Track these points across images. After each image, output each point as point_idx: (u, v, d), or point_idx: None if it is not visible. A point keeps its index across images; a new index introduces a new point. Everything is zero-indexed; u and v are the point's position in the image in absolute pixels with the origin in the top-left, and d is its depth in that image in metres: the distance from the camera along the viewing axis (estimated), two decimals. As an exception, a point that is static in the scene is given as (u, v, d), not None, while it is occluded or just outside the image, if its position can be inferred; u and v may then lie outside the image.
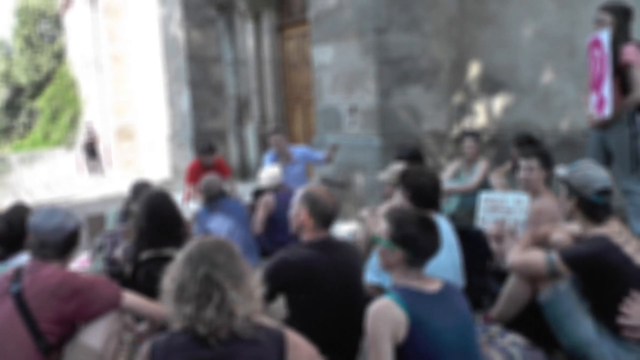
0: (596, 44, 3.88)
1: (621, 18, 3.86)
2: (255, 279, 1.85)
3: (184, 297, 1.72)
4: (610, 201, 2.64)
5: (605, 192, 2.60)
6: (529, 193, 3.61)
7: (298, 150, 6.20)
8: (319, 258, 2.57)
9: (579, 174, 2.65)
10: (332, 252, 2.63)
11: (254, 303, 1.78)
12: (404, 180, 2.94)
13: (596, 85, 3.90)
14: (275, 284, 2.47)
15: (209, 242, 1.84)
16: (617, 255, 2.48)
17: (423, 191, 2.87)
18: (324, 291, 2.54)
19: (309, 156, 6.09)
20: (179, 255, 1.82)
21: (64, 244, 2.49)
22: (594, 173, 2.64)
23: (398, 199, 2.94)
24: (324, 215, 2.65)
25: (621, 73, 3.79)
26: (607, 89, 3.79)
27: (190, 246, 1.83)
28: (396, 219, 2.19)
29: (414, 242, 2.13)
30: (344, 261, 2.65)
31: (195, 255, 1.77)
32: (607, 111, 3.81)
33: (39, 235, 2.47)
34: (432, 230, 2.16)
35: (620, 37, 3.82)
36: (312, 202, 2.66)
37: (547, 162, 3.48)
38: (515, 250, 2.83)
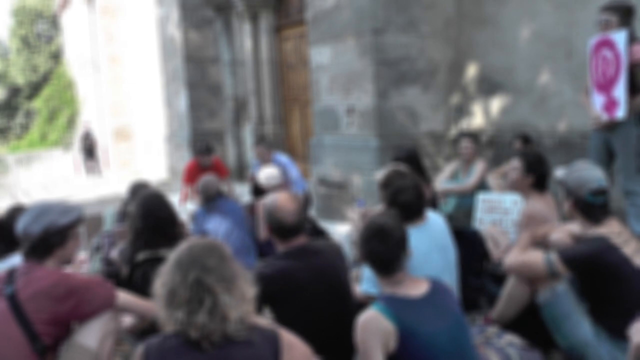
0: (606, 44, 3.79)
1: (626, 17, 3.80)
2: (247, 279, 1.83)
3: (175, 302, 1.70)
4: (607, 201, 2.65)
5: (600, 192, 2.61)
6: (515, 192, 3.59)
7: (282, 159, 6.21)
8: (296, 267, 2.54)
9: (574, 175, 2.67)
10: (310, 258, 2.59)
11: (247, 304, 1.77)
12: (382, 192, 2.87)
13: (605, 86, 3.81)
14: (256, 299, 2.43)
15: (199, 246, 1.81)
16: (616, 255, 2.49)
17: (401, 205, 2.75)
18: (308, 299, 2.52)
19: (287, 169, 6.09)
20: (169, 260, 1.79)
21: (39, 245, 2.43)
22: (588, 173, 2.65)
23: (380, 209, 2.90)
24: (283, 228, 2.60)
25: (631, 73, 3.72)
26: (621, 91, 3.71)
27: (180, 250, 1.81)
28: (359, 237, 2.25)
29: (370, 258, 2.20)
30: (324, 265, 2.62)
31: (185, 260, 1.75)
32: (621, 113, 3.72)
33: (19, 235, 2.46)
34: (386, 240, 2.15)
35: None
36: (268, 217, 2.63)
37: (530, 167, 3.32)
38: (514, 252, 2.83)
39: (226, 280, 1.74)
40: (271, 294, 2.49)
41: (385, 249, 2.14)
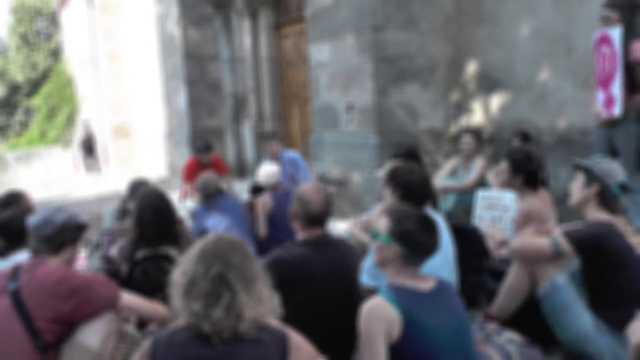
0: (605, 40, 3.77)
1: (629, 14, 3.74)
2: (266, 282, 1.84)
3: (194, 293, 1.70)
4: (624, 199, 2.69)
5: (624, 188, 2.68)
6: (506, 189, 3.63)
7: (290, 155, 6.20)
8: (313, 256, 2.59)
9: (603, 165, 2.71)
10: (327, 250, 2.65)
11: (262, 307, 1.78)
12: (394, 180, 2.89)
13: (605, 83, 3.80)
14: (271, 282, 2.47)
15: (225, 241, 1.81)
16: (621, 242, 2.52)
17: (413, 189, 2.82)
18: (320, 289, 2.55)
19: (297, 167, 6.08)
20: (193, 250, 1.79)
21: (55, 238, 2.48)
22: (617, 167, 2.71)
23: (389, 199, 2.92)
24: (308, 216, 2.65)
25: (630, 71, 3.69)
26: (617, 88, 3.69)
27: (205, 242, 1.81)
28: (397, 214, 2.19)
29: (412, 238, 2.12)
30: (339, 259, 2.66)
31: (210, 253, 1.75)
32: (617, 110, 3.71)
33: (31, 230, 2.49)
34: (432, 230, 2.15)
35: (629, 33, 3.70)
36: (297, 203, 2.68)
37: (517, 168, 3.33)
38: (519, 237, 2.86)
39: (247, 280, 1.75)
40: (286, 280, 2.52)
41: (429, 242, 2.14)
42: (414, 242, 2.12)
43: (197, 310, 1.69)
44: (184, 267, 1.77)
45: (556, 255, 2.62)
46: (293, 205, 2.71)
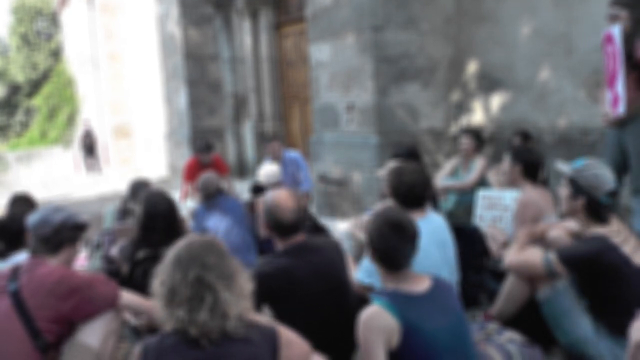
0: (609, 39, 3.70)
1: (637, 11, 3.63)
2: (245, 275, 1.84)
3: (176, 300, 1.70)
4: (614, 202, 2.65)
5: (613, 194, 2.60)
6: (510, 185, 3.62)
7: (292, 155, 6.20)
8: (296, 264, 2.53)
9: (588, 174, 2.61)
10: (310, 256, 2.59)
11: (245, 301, 1.78)
12: (389, 180, 2.90)
13: (610, 82, 3.72)
14: (256, 297, 2.43)
15: (197, 243, 1.81)
16: (616, 255, 2.48)
17: (400, 191, 2.82)
18: (307, 296, 2.51)
19: (298, 166, 6.10)
20: (167, 257, 1.78)
21: (53, 237, 2.48)
22: (604, 174, 2.61)
23: (389, 199, 2.93)
24: (281, 226, 2.59)
25: (638, 68, 3.60)
26: (620, 86, 3.62)
27: (178, 248, 1.80)
28: (369, 231, 2.22)
29: (384, 252, 2.16)
30: (323, 262, 2.61)
31: (184, 258, 1.75)
32: (621, 109, 3.63)
33: (29, 230, 2.49)
34: (402, 235, 2.15)
35: (638, 31, 3.58)
36: (266, 214, 2.61)
37: (516, 156, 3.44)
38: (512, 250, 2.83)
39: (226, 278, 1.74)
40: (271, 292, 2.48)
41: (400, 244, 2.13)
42: (386, 255, 2.16)
43: (182, 317, 1.68)
44: (161, 276, 1.76)
45: (549, 275, 2.60)
46: (264, 217, 2.62)
